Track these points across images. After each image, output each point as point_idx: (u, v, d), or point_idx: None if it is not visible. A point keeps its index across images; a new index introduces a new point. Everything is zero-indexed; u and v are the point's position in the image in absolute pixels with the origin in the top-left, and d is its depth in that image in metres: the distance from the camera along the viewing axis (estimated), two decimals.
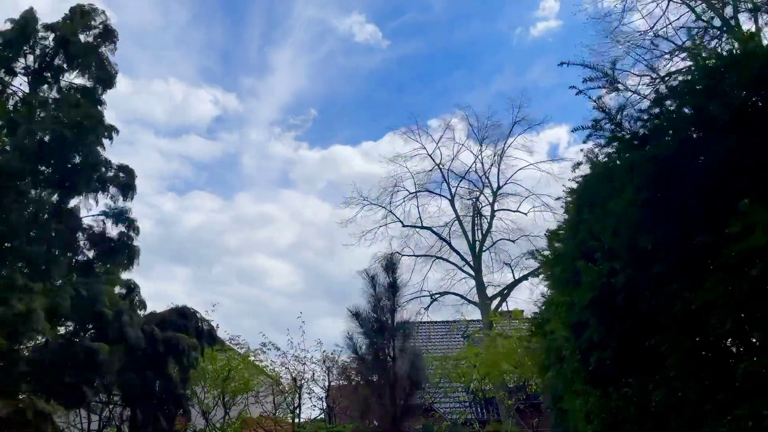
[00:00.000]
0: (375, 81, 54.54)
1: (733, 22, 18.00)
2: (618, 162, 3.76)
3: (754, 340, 3.28)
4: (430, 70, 53.07)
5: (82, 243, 14.04)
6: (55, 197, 13.50)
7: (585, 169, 4.33)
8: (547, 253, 5.69)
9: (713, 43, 17.00)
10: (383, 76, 55.07)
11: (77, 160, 13.57)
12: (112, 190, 14.29)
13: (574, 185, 4.64)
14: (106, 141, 14.22)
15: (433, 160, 30.85)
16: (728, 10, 18.73)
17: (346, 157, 48.13)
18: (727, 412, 3.22)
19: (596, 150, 3.87)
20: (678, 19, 20.04)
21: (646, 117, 3.46)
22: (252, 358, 18.17)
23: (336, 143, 62.81)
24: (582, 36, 55.77)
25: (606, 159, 3.95)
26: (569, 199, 5.12)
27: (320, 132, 55.86)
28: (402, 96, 54.84)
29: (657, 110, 3.41)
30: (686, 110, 3.34)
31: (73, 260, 13.86)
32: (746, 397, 3.01)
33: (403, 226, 30.38)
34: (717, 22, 18.71)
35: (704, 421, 3.49)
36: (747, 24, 17.94)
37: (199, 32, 49.94)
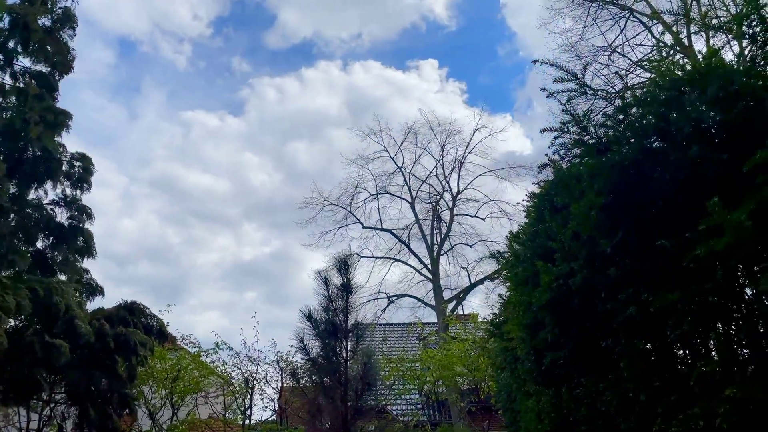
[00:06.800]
0: None
1: (686, 41, 18.77)
2: (581, 168, 3.85)
3: (707, 344, 3.39)
4: None
5: (36, 232, 13.51)
6: (11, 186, 12.95)
7: (548, 173, 4.43)
8: (507, 254, 5.80)
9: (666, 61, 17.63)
10: None
11: (30, 149, 13.07)
12: (68, 181, 13.85)
13: (537, 190, 4.75)
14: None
15: (395, 162, 31.01)
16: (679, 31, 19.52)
17: None
18: (678, 413, 3.32)
19: (562, 152, 3.97)
20: (635, 36, 20.78)
21: (610, 123, 3.57)
22: (204, 358, 17.81)
23: None
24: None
25: (569, 165, 4.06)
26: (530, 203, 5.24)
27: None
28: None
29: (621, 117, 3.53)
30: (649, 119, 3.45)
31: (30, 251, 13.32)
32: (700, 397, 3.11)
33: (363, 227, 30.40)
34: (668, 37, 19.50)
35: (654, 422, 3.60)
36: (698, 44, 18.74)
37: None
